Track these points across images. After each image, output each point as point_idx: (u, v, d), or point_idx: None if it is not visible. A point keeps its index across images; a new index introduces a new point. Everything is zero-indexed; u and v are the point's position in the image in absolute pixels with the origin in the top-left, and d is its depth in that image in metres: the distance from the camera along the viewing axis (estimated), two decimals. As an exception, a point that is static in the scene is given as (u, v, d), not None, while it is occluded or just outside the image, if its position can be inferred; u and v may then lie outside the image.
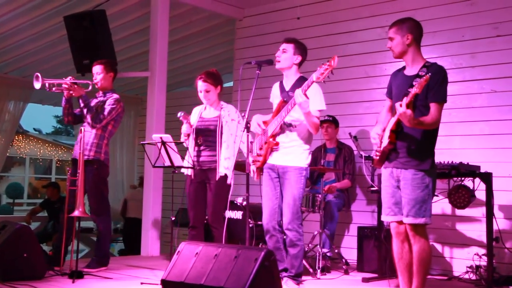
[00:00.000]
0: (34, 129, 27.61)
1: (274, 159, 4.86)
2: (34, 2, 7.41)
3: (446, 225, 6.19)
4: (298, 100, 4.46)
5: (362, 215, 6.87)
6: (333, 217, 6.34)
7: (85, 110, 5.50)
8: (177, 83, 10.83)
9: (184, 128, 5.21)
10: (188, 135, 5.20)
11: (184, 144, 5.23)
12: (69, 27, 6.95)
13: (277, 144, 4.82)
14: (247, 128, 4.57)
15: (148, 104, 7.26)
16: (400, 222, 4.01)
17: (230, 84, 8.95)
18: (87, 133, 5.56)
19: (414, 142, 3.93)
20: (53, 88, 5.49)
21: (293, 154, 4.80)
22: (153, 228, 7.03)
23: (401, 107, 3.74)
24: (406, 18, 4.10)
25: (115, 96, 5.65)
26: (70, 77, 5.58)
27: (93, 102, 5.66)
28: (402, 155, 3.96)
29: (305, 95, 4.46)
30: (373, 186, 5.82)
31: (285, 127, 4.83)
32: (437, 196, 5.67)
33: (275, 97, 4.99)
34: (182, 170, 5.26)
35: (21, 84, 9.29)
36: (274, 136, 4.85)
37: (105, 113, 5.52)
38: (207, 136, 5.19)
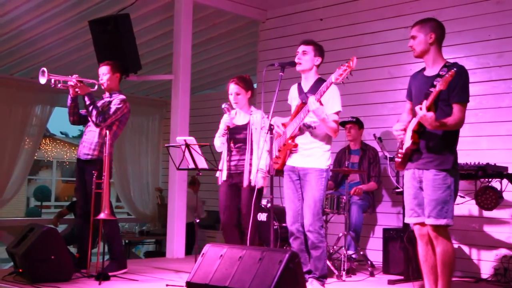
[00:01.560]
0: (61, 133, 27.95)
1: (294, 161, 4.87)
2: (60, 8, 7.52)
3: (473, 227, 6.13)
4: (312, 107, 4.50)
5: (387, 216, 6.84)
6: (359, 219, 6.32)
7: (90, 108, 5.46)
8: (201, 85, 10.87)
9: (226, 118, 5.18)
10: (228, 128, 5.20)
11: (220, 141, 5.22)
12: (93, 32, 7.02)
13: (296, 145, 4.83)
14: (271, 130, 4.58)
15: (172, 107, 7.30)
16: (423, 224, 4.00)
17: (254, 86, 8.97)
18: (91, 133, 5.55)
19: (435, 142, 3.92)
20: (59, 85, 5.48)
21: (314, 155, 4.81)
22: (178, 230, 7.07)
23: (421, 110, 3.73)
24: (429, 18, 4.10)
25: (121, 96, 5.64)
26: (76, 75, 5.58)
27: (100, 103, 5.66)
28: (423, 155, 3.95)
29: (319, 101, 4.47)
30: (398, 188, 5.79)
31: (305, 128, 4.83)
32: (463, 197, 5.65)
33: (293, 99, 5.01)
34: (217, 174, 5.31)
35: (48, 89, 9.36)
36: (293, 137, 4.85)
37: (110, 112, 5.50)
38: (238, 143, 5.24)
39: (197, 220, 5.48)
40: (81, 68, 9.08)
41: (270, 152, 4.58)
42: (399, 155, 4.06)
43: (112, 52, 6.74)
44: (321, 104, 4.49)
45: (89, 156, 5.50)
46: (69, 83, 5.50)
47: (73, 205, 10.10)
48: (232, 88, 5.28)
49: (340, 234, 5.96)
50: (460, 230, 5.99)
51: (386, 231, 6.18)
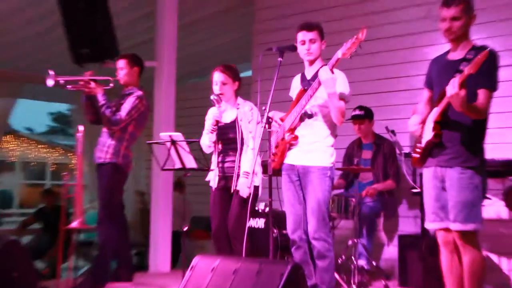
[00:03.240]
0: (26, 129, 27.85)
1: (293, 158, 4.86)
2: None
3: (502, 232, 6.14)
4: (324, 77, 4.45)
5: (403, 221, 6.85)
6: (372, 224, 6.33)
7: (102, 109, 5.62)
8: (188, 73, 10.85)
9: (215, 111, 5.18)
10: (217, 123, 5.21)
11: (208, 138, 5.23)
12: (63, 10, 6.99)
13: (296, 138, 4.81)
14: (269, 123, 4.57)
15: (155, 98, 7.30)
16: (448, 230, 4.00)
17: (249, 73, 8.97)
18: (105, 133, 5.71)
19: (461, 135, 3.92)
20: (68, 86, 5.65)
21: (316, 151, 4.78)
22: (163, 240, 7.07)
23: (453, 88, 3.71)
24: None
25: (138, 93, 5.77)
26: (89, 71, 5.72)
27: (114, 102, 5.81)
28: (447, 150, 3.94)
29: (331, 71, 4.46)
30: (415, 188, 5.79)
31: (306, 118, 4.82)
32: (489, 198, 5.65)
33: (295, 89, 5.00)
34: (207, 178, 5.30)
35: (10, 78, 9.38)
36: (292, 129, 4.84)
37: (123, 113, 5.64)
38: (227, 144, 5.25)
39: (185, 228, 5.48)
40: (49, 55, 9.04)
41: (269, 150, 4.58)
42: (418, 150, 4.06)
43: (86, 35, 6.72)
44: (333, 74, 4.48)
45: (102, 159, 5.64)
46: (80, 83, 5.66)
47: (40, 213, 10.09)
48: (218, 76, 5.27)
49: (350, 242, 5.96)
50: (487, 236, 5.97)
51: (402, 238, 6.19)
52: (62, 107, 29.70)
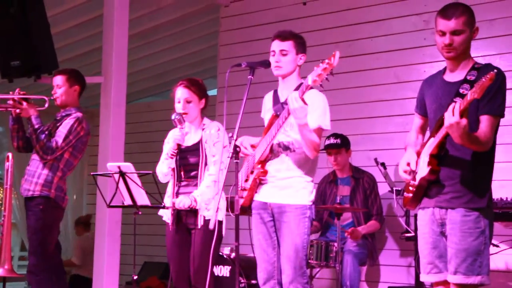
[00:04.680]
0: None
1: (266, 195, 4.82)
2: None
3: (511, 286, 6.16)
4: (293, 105, 4.42)
5: (393, 270, 6.85)
6: (357, 274, 6.31)
7: (35, 135, 5.53)
8: (141, 91, 10.84)
9: (177, 133, 5.16)
10: (178, 147, 5.17)
11: (167, 165, 5.19)
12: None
13: (265, 173, 4.78)
14: (236, 153, 4.54)
15: (101, 120, 7.22)
16: (447, 284, 3.96)
17: (214, 92, 8.95)
18: (35, 162, 5.62)
19: (463, 171, 3.89)
20: None
21: (292, 187, 4.74)
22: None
23: (453, 116, 3.69)
24: (464, 4, 4.07)
25: (76, 114, 5.70)
26: (18, 89, 5.61)
27: (47, 126, 5.73)
28: (447, 189, 3.92)
29: (302, 99, 4.43)
30: (408, 231, 5.79)
31: (280, 150, 4.79)
32: (497, 246, 5.67)
33: (267, 111, 4.98)
34: (160, 213, 5.28)
35: None
36: (262, 162, 4.81)
37: (60, 139, 5.57)
38: (189, 171, 5.24)
39: (135, 277, 5.42)
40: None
41: (236, 184, 4.53)
42: (410, 188, 4.04)
43: (17, 45, 6.66)
44: (304, 103, 4.45)
45: (30, 192, 5.55)
46: (9, 102, 5.55)
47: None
48: (181, 93, 5.27)
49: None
50: (494, 290, 6.01)
51: (393, 290, 6.19)
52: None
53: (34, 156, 5.63)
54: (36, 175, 5.57)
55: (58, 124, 5.67)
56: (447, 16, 3.95)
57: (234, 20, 8.31)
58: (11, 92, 5.59)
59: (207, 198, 5.11)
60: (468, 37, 3.99)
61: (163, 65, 10.04)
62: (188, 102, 5.25)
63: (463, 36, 3.96)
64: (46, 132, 5.58)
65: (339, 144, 6.61)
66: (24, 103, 5.57)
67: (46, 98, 5.70)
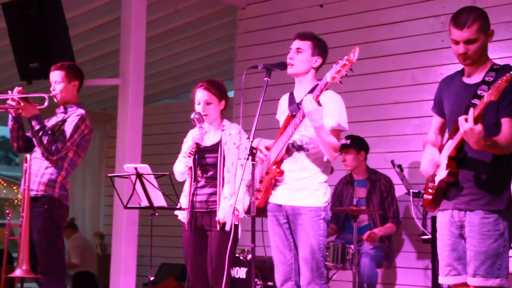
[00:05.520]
0: None
1: (280, 198, 4.79)
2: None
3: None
4: (308, 108, 4.40)
5: (410, 273, 6.82)
6: (372, 276, 6.28)
7: (38, 135, 5.44)
8: (158, 93, 10.85)
9: (195, 133, 5.15)
10: (197, 146, 5.16)
11: (184, 163, 5.18)
12: (10, 18, 6.96)
13: (281, 173, 4.75)
14: (253, 154, 4.52)
15: (118, 122, 7.24)
16: (466, 286, 3.94)
17: (230, 94, 8.93)
18: (38, 161, 5.54)
19: (483, 173, 3.87)
20: None
21: (306, 189, 4.72)
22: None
23: (467, 122, 3.67)
24: (477, 8, 4.03)
25: (79, 111, 5.62)
26: (18, 88, 5.54)
27: (51, 122, 5.65)
28: (466, 191, 3.89)
29: (318, 101, 4.41)
30: (425, 234, 5.75)
31: (294, 150, 4.77)
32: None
33: (282, 112, 4.96)
34: (176, 213, 5.27)
35: None
36: (278, 163, 4.79)
37: (64, 139, 5.49)
38: (206, 171, 5.24)
39: (152, 278, 5.42)
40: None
41: (253, 185, 4.51)
42: (430, 190, 4.01)
43: (36, 47, 6.68)
44: (319, 105, 4.42)
45: (33, 193, 5.45)
46: (9, 102, 5.48)
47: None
48: (201, 95, 5.27)
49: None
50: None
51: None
52: (5, 131, 29.57)
53: (35, 155, 5.55)
54: (39, 174, 5.49)
55: (61, 123, 5.60)
56: (459, 25, 3.90)
57: (251, 22, 8.31)
58: (9, 92, 5.51)
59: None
60: (483, 42, 3.95)
61: (180, 67, 10.05)
62: (208, 104, 5.26)
63: (477, 44, 3.93)
64: (49, 132, 5.50)
65: (348, 145, 6.59)
66: (24, 102, 5.48)
67: (46, 96, 5.61)
